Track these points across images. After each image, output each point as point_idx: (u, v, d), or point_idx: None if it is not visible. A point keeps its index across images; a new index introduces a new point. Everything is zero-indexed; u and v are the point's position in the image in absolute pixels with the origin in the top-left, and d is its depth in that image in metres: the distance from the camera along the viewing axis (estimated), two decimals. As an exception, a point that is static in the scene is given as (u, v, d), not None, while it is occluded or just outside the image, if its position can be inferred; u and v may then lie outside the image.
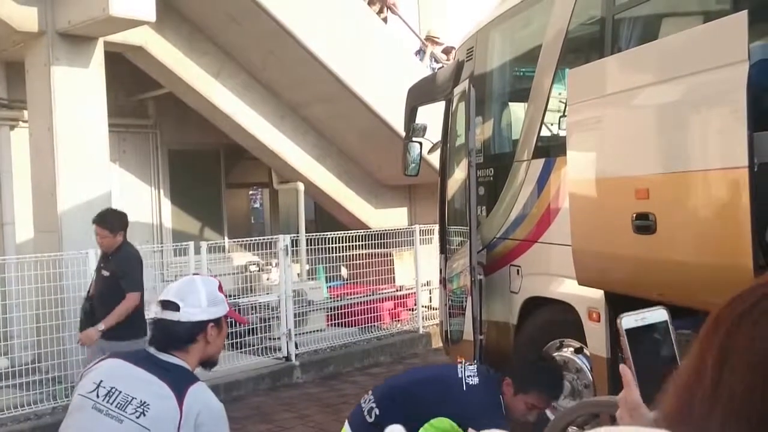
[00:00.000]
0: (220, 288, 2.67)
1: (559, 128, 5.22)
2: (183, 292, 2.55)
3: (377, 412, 3.64)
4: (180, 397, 2.36)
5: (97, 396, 2.40)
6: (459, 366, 3.76)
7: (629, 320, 1.09)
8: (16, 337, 6.98)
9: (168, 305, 2.52)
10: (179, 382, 2.42)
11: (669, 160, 3.44)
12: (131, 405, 2.35)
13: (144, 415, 2.33)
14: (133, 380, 2.42)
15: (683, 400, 0.81)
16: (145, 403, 2.35)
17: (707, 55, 3.16)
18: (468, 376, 3.61)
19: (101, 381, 2.44)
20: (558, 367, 4.17)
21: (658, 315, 1.10)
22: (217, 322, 2.58)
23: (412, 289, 10.19)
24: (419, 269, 10.08)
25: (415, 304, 10.12)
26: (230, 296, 8.65)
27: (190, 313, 2.51)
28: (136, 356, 2.56)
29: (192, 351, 2.53)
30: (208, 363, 2.64)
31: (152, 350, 2.51)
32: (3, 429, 6.41)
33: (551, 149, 5.12)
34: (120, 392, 2.38)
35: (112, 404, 2.37)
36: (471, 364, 3.80)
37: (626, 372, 1.09)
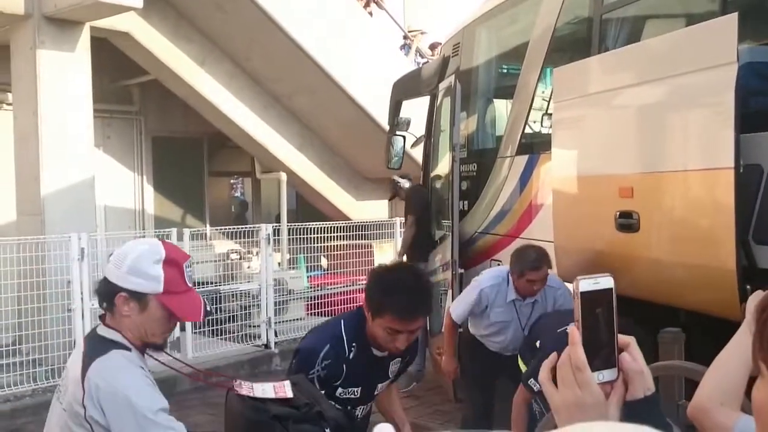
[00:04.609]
0: (168, 264, 2.25)
1: (542, 126, 5.31)
2: (120, 250, 2.28)
3: None
4: (84, 370, 2.14)
5: (61, 381, 2.33)
6: None
7: (585, 283, 1.12)
8: (-3, 319, 6.97)
9: (109, 256, 2.30)
10: (90, 353, 2.18)
11: (655, 160, 3.51)
12: (64, 385, 2.24)
13: (65, 395, 2.19)
14: (73, 359, 2.27)
15: None
16: (67, 382, 2.20)
17: (696, 56, 3.23)
18: None
19: (67, 363, 2.33)
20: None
21: (607, 281, 1.13)
22: (135, 295, 2.21)
23: (391, 280, 10.24)
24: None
25: (394, 296, 10.18)
26: (211, 283, 8.70)
27: (109, 270, 2.25)
28: (89, 334, 2.37)
29: (117, 316, 2.24)
30: (149, 344, 2.30)
31: (99, 325, 2.31)
32: (-17, 410, 6.43)
33: (535, 146, 5.21)
34: (67, 372, 2.28)
35: (62, 386, 2.28)
36: None
37: (575, 332, 1.11)
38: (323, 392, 2.78)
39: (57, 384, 6.70)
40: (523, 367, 4.32)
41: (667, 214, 3.48)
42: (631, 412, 1.17)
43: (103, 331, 2.26)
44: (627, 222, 3.63)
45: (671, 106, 3.46)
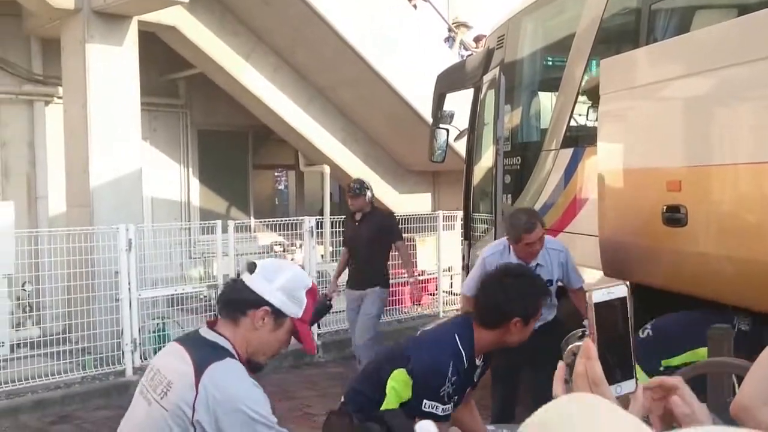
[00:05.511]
0: (311, 295, 2.38)
1: (588, 118, 5.24)
2: (268, 265, 2.37)
3: (342, 399, 3.39)
4: (199, 373, 2.15)
5: (146, 379, 2.32)
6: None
7: (598, 295, 1.10)
8: (48, 308, 7.13)
9: (251, 267, 2.37)
10: (204, 357, 2.20)
11: (704, 153, 3.45)
12: (161, 385, 2.22)
13: (166, 395, 2.18)
14: (171, 360, 2.29)
15: None
16: (170, 382, 2.20)
17: (748, 46, 3.17)
18: (429, 326, 3.39)
19: (153, 364, 2.35)
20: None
21: (620, 290, 1.12)
22: (276, 313, 2.31)
23: (433, 274, 10.26)
24: (441, 255, 10.14)
25: (437, 289, 10.19)
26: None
27: (256, 281, 2.32)
28: (188, 336, 2.42)
29: (241, 327, 2.30)
30: (252, 362, 2.33)
31: (202, 329, 2.38)
32: (34, 396, 6.58)
33: (580, 139, 5.15)
34: (158, 373, 2.28)
35: (150, 386, 2.27)
36: None
37: (590, 346, 1.08)
38: (452, 404, 3.03)
39: (106, 372, 6.84)
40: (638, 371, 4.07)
41: (716, 208, 3.41)
42: None
43: (211, 336, 2.30)
44: (674, 216, 3.57)
45: (721, 98, 3.39)
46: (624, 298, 1.13)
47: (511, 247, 4.83)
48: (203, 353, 2.23)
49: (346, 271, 7.27)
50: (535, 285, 3.21)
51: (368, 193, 6.84)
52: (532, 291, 3.14)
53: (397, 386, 3.08)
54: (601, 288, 1.12)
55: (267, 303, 2.29)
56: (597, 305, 1.11)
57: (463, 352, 3.08)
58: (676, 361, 3.40)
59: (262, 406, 2.18)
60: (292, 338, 2.43)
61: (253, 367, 2.33)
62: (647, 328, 3.70)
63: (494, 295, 3.11)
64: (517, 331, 3.07)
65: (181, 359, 2.23)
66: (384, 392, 3.11)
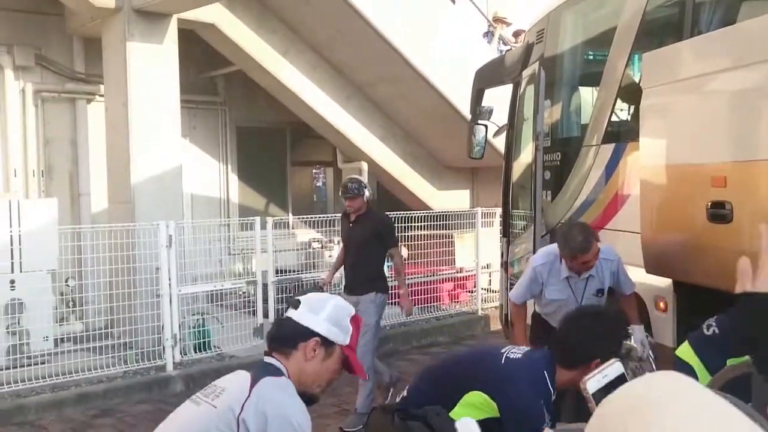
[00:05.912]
0: (355, 322, 2.49)
1: (630, 113, 5.15)
2: (312, 299, 2.50)
3: (404, 394, 3.46)
4: (254, 382, 2.29)
5: (201, 391, 2.42)
6: (507, 346, 3.48)
7: (593, 383, 1.07)
8: (90, 303, 7.25)
9: (294, 303, 2.48)
10: (261, 372, 2.36)
11: (750, 148, 3.37)
12: (214, 392, 2.34)
13: (218, 397, 2.31)
14: (230, 376, 2.43)
15: None
16: (224, 389, 2.34)
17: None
18: (512, 352, 3.32)
19: (213, 382, 2.46)
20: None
21: (615, 369, 1.09)
22: (326, 342, 2.42)
23: (472, 271, 10.20)
24: (480, 252, 10.08)
25: (475, 286, 10.14)
26: (293, 272, 8.81)
27: (302, 314, 2.43)
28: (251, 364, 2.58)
29: (292, 359, 2.41)
30: (306, 394, 2.41)
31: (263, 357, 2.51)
32: (78, 389, 6.69)
33: (622, 134, 5.06)
34: (214, 385, 2.39)
35: (203, 394, 2.37)
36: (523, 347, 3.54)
37: None
38: None
39: (147, 367, 6.92)
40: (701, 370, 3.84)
41: (762, 204, 3.33)
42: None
43: (270, 360, 2.43)
44: (719, 212, 3.49)
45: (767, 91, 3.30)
46: (622, 375, 1.09)
47: (562, 258, 4.69)
48: (261, 369, 2.38)
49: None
50: (612, 324, 3.37)
51: (366, 193, 6.38)
52: (611, 331, 3.27)
53: (477, 403, 3.15)
54: (594, 375, 1.08)
55: (316, 333, 2.40)
56: (595, 395, 1.07)
57: (551, 389, 3.17)
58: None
59: (308, 427, 2.27)
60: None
61: (307, 400, 2.40)
62: (712, 326, 3.61)
63: (573, 336, 3.25)
64: (583, 372, 3.09)
65: (239, 374, 2.40)
66: (452, 402, 3.17)
